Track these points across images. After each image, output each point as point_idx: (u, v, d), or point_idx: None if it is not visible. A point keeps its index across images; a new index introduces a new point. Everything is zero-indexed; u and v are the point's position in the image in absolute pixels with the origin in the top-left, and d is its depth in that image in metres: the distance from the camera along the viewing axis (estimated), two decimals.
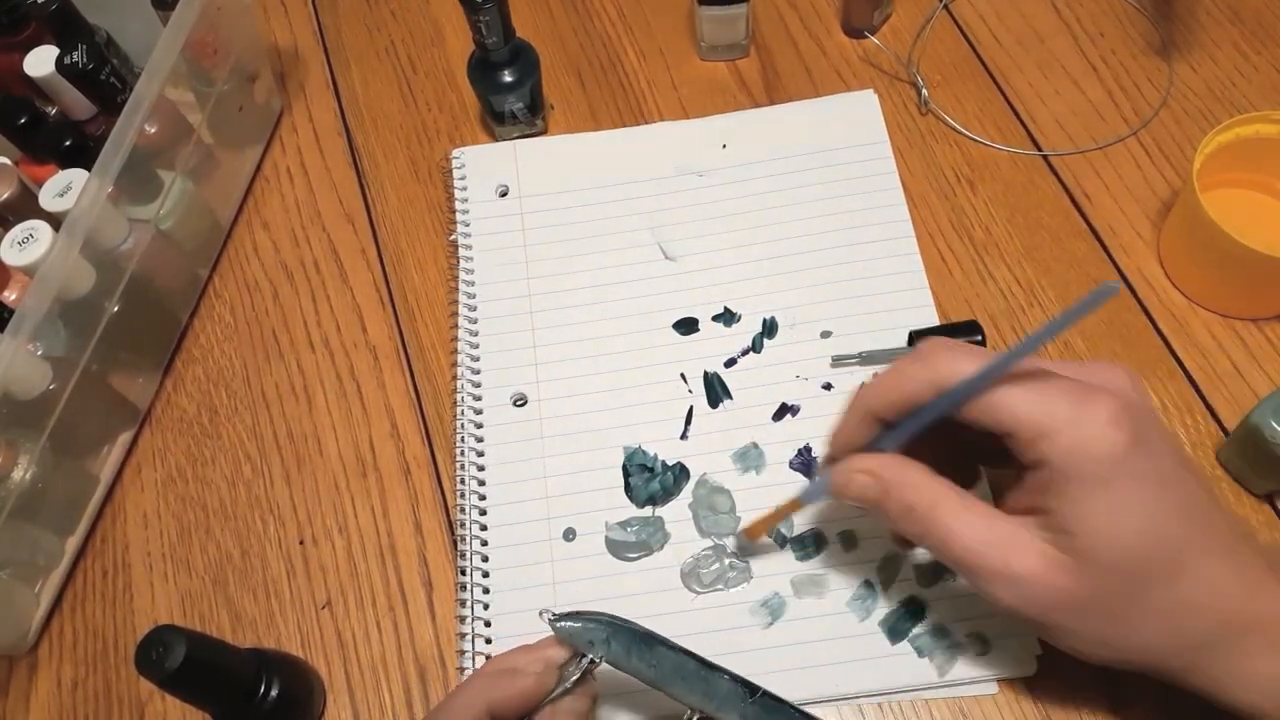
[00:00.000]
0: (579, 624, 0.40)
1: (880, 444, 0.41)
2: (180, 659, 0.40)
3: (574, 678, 0.40)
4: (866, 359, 0.54)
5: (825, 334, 0.56)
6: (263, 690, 0.45)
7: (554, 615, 0.41)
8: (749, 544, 0.50)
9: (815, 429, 0.53)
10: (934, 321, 0.55)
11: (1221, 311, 0.54)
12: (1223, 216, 0.49)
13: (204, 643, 0.42)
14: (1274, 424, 0.46)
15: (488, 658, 0.49)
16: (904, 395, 0.40)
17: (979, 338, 0.52)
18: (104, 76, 0.56)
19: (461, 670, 0.49)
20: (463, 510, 0.52)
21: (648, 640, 0.41)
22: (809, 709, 0.45)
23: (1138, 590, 0.37)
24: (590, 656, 0.40)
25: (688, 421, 0.54)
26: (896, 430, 0.41)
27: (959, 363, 0.38)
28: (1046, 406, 0.36)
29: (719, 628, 0.48)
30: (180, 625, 0.41)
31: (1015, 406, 0.37)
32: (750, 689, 0.41)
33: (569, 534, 0.51)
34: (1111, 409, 0.36)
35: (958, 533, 0.38)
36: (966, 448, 0.42)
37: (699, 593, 0.49)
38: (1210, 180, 0.54)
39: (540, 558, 0.51)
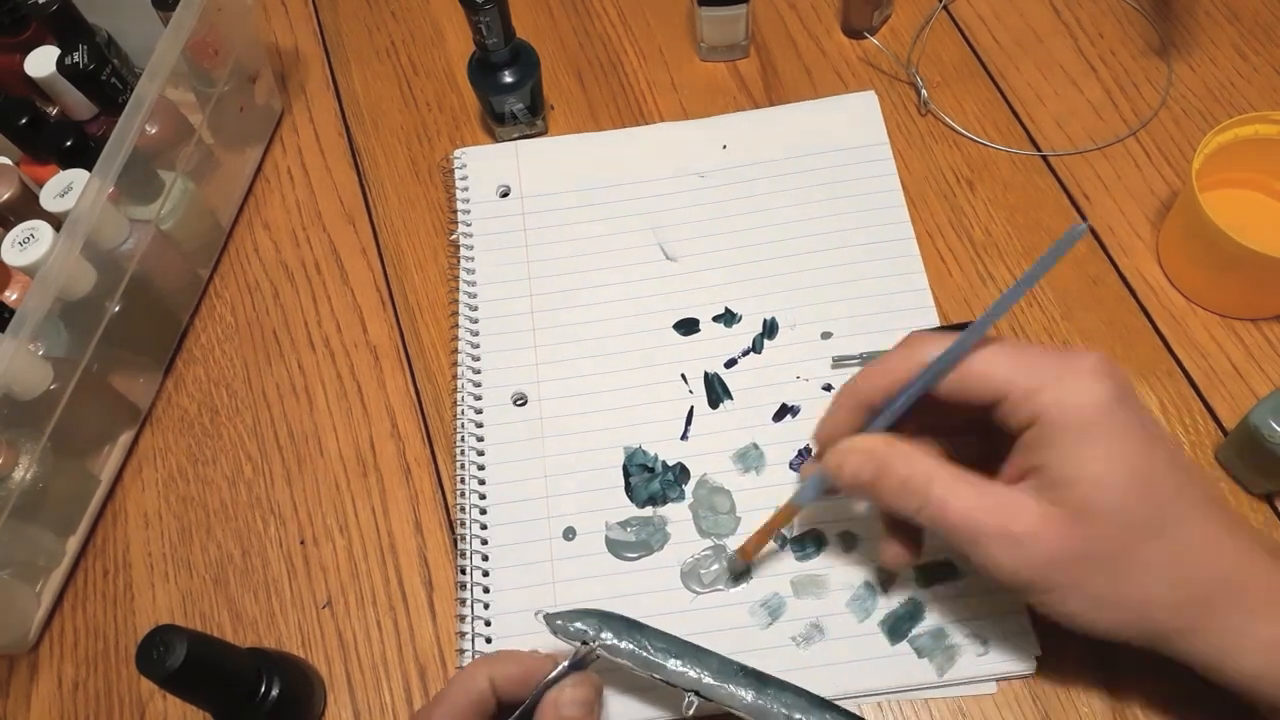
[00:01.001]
0: (571, 614, 0.42)
1: (869, 430, 0.42)
2: (181, 659, 0.40)
3: (569, 661, 0.41)
4: (867, 360, 0.54)
5: (825, 335, 0.56)
6: (263, 690, 0.46)
7: (547, 614, 0.43)
8: (740, 564, 0.49)
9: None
10: (934, 322, 0.55)
11: (1220, 311, 0.54)
12: (1222, 217, 0.50)
13: (205, 642, 0.42)
14: (1273, 424, 0.46)
15: None
16: (893, 378, 0.41)
17: None
18: (105, 77, 0.56)
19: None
20: (463, 510, 0.53)
21: (638, 626, 0.43)
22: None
23: (1134, 540, 0.37)
24: (586, 645, 0.41)
25: (688, 422, 0.54)
26: (884, 412, 0.42)
27: (940, 342, 0.40)
28: (1032, 366, 0.38)
29: (719, 628, 0.48)
30: (181, 625, 0.41)
31: (1003, 370, 0.39)
32: (740, 666, 0.43)
33: (569, 534, 0.51)
34: (1093, 363, 0.38)
35: (954, 501, 0.39)
36: (951, 440, 0.43)
37: (699, 593, 0.50)
38: (1209, 180, 0.54)
39: (540, 557, 0.51)
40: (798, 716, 0.42)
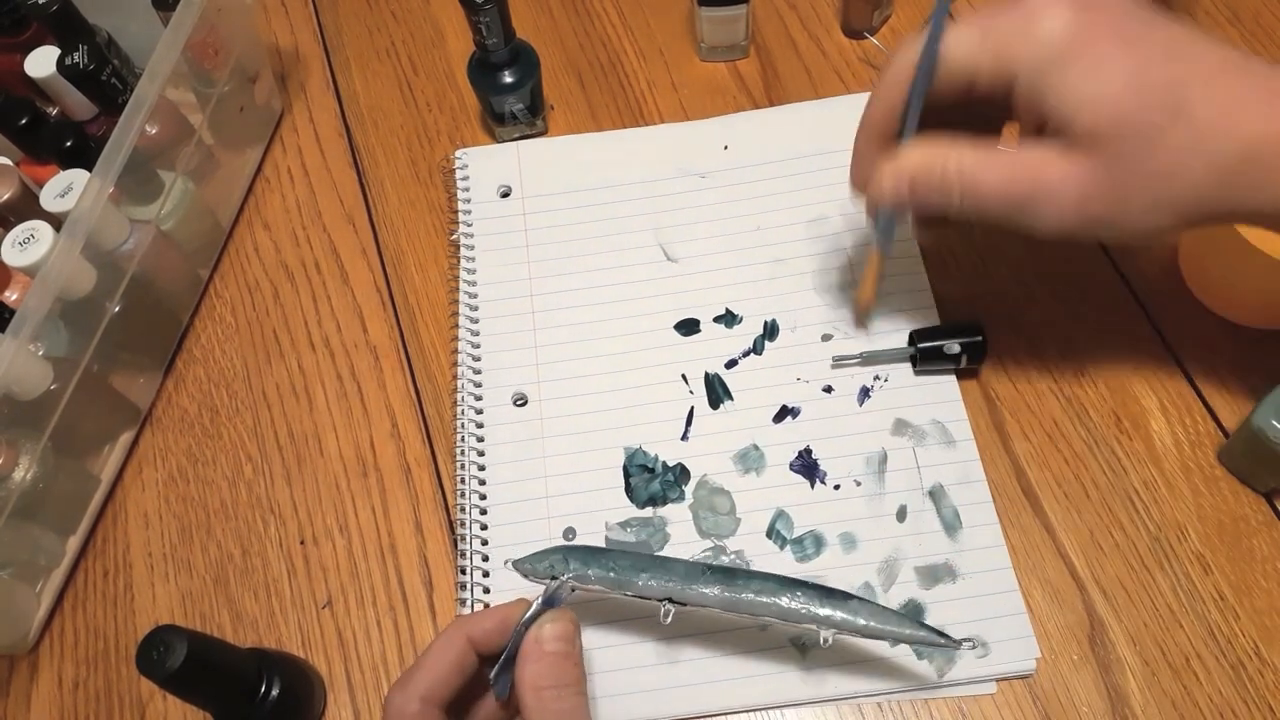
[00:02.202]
0: (536, 555, 0.44)
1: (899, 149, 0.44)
2: (181, 659, 0.40)
3: (542, 599, 0.41)
4: (867, 360, 0.54)
5: (826, 336, 0.56)
6: (263, 690, 0.46)
7: (514, 560, 0.44)
8: (864, 314, 0.55)
9: (816, 431, 0.53)
10: (935, 321, 0.55)
11: (1257, 325, 0.53)
12: (1251, 232, 0.48)
13: (205, 642, 0.42)
14: (1276, 424, 0.46)
15: None
16: (893, 95, 0.44)
17: (980, 339, 0.52)
18: (105, 77, 0.56)
19: None
20: (463, 510, 0.53)
21: (601, 551, 0.44)
22: (809, 707, 0.45)
23: (1154, 137, 0.38)
24: (557, 580, 0.42)
25: (688, 422, 0.54)
26: (904, 130, 0.44)
27: (915, 42, 0.42)
28: (994, 30, 0.40)
29: (718, 628, 0.48)
30: (181, 625, 0.41)
31: (973, 44, 0.40)
32: (706, 565, 0.44)
33: (569, 534, 0.51)
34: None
35: (986, 178, 0.41)
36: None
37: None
38: None
39: None
40: (766, 600, 0.43)
